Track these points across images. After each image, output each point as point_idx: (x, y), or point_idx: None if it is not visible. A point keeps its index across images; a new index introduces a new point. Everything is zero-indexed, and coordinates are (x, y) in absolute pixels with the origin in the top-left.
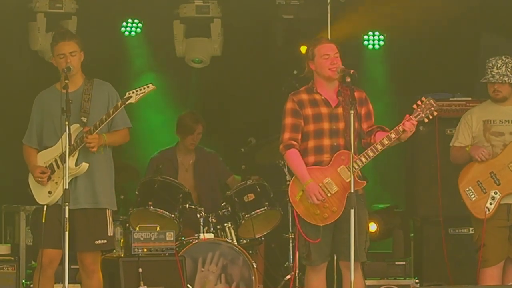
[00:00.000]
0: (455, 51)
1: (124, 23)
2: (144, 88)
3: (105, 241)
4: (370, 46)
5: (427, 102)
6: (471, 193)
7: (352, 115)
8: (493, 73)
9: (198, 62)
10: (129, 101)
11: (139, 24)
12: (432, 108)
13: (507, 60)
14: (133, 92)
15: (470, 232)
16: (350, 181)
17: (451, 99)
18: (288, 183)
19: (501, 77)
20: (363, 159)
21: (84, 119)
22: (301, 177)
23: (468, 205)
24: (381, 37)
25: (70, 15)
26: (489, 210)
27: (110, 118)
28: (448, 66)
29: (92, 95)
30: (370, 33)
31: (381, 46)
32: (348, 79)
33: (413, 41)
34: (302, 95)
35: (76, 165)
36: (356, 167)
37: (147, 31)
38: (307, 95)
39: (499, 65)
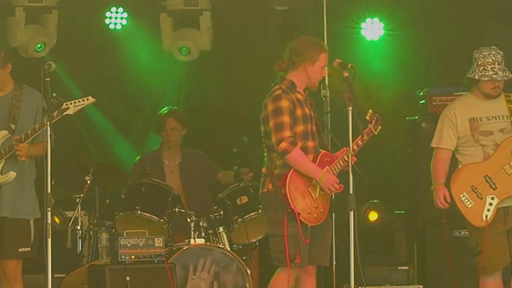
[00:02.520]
0: (458, 41)
1: (109, 13)
2: (83, 100)
3: (28, 248)
4: (369, 37)
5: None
6: (466, 200)
7: (350, 112)
8: (495, 69)
9: (186, 53)
10: (66, 112)
11: (124, 14)
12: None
13: (500, 51)
14: (71, 104)
15: None
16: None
17: (454, 93)
18: None
19: (505, 73)
20: (341, 163)
21: (13, 126)
22: (316, 172)
23: (464, 213)
24: (380, 28)
25: (51, 9)
26: (488, 217)
27: (44, 128)
28: (451, 58)
29: (21, 102)
30: (369, 21)
31: (381, 37)
32: (346, 74)
33: (414, 32)
34: (291, 94)
35: (3, 173)
36: (335, 171)
37: (133, 24)
38: (293, 94)
39: (499, 60)
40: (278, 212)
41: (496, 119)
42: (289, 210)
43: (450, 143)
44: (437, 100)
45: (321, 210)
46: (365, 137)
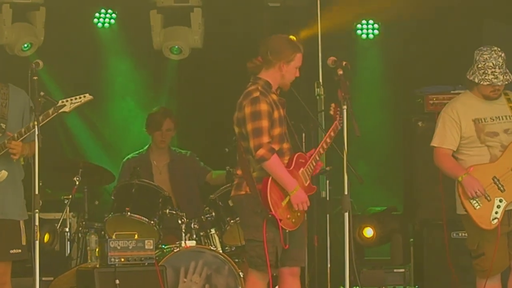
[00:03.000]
0: (455, 39)
1: (97, 14)
2: (80, 98)
3: (20, 250)
4: (364, 36)
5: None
6: (475, 202)
7: (345, 110)
8: (496, 73)
9: (177, 52)
10: (62, 110)
11: (113, 15)
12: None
13: (501, 53)
14: (67, 101)
15: None
16: (307, 185)
17: (452, 91)
18: None
19: (506, 76)
20: (314, 163)
21: (3, 125)
22: (290, 184)
23: (472, 214)
24: (376, 25)
25: (38, 6)
26: (496, 219)
27: (40, 125)
28: (448, 56)
29: (9, 101)
30: (364, 21)
31: (376, 36)
32: (340, 72)
33: (410, 29)
34: (268, 96)
35: None
36: (309, 173)
37: (122, 22)
38: (269, 95)
39: (500, 64)
40: (256, 216)
41: (500, 120)
42: (270, 216)
43: (453, 143)
44: (434, 99)
45: (298, 214)
46: (333, 134)
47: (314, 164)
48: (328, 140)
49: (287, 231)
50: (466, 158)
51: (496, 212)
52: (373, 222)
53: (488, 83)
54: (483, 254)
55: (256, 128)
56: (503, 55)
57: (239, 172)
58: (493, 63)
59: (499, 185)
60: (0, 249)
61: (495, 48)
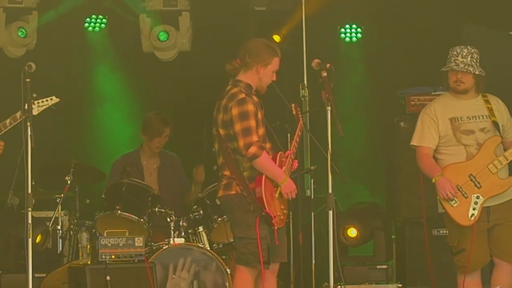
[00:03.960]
0: (436, 42)
1: (88, 19)
2: (47, 100)
3: None
4: (347, 39)
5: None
6: (452, 200)
7: (329, 111)
8: (458, 61)
9: (164, 38)
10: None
11: (103, 20)
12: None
13: (472, 50)
14: (34, 104)
15: None
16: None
17: (432, 93)
18: None
19: (466, 66)
20: (291, 161)
21: None
22: (279, 175)
23: (450, 212)
24: (359, 29)
25: (31, 10)
26: (474, 216)
27: (7, 129)
28: (429, 58)
29: None
30: (347, 25)
31: (359, 39)
32: (324, 74)
33: (392, 33)
34: (252, 97)
35: None
36: (288, 171)
37: (112, 26)
38: (252, 97)
39: (464, 54)
40: (248, 215)
41: (476, 119)
42: (264, 213)
43: (432, 141)
44: (415, 100)
45: (285, 211)
46: (300, 133)
47: (291, 162)
48: (297, 139)
49: (276, 228)
50: (444, 158)
51: (474, 209)
52: (357, 222)
53: (447, 69)
54: (463, 250)
55: (245, 127)
56: (472, 50)
57: (226, 173)
58: (457, 52)
59: (476, 182)
60: None
61: (469, 46)
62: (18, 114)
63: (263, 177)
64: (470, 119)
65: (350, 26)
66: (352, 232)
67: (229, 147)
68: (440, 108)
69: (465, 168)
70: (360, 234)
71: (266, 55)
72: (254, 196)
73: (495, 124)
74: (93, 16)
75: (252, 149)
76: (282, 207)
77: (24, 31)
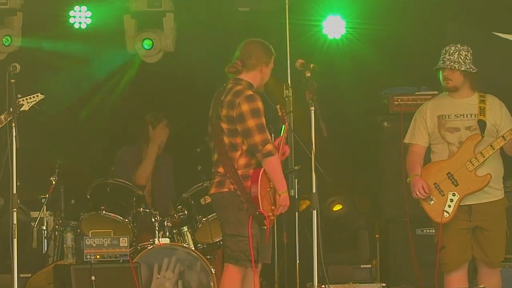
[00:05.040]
0: (420, 42)
1: (73, 12)
2: (34, 97)
3: None
4: (331, 36)
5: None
6: (429, 197)
7: (313, 111)
8: (445, 59)
9: (149, 46)
10: (22, 109)
11: (88, 13)
12: None
13: (461, 48)
14: (23, 100)
15: None
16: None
17: (416, 93)
18: None
19: (451, 63)
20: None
21: None
22: (283, 185)
23: (426, 209)
24: (342, 25)
25: (15, 11)
26: (448, 213)
27: (3, 125)
28: (413, 58)
29: None
30: (330, 18)
31: (342, 36)
32: (308, 74)
33: (376, 32)
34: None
35: None
36: None
37: (96, 27)
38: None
39: (451, 52)
40: (241, 212)
41: (463, 117)
42: (257, 213)
43: (422, 138)
44: (399, 100)
45: (275, 212)
46: (286, 135)
47: (282, 148)
48: (284, 141)
49: (266, 228)
50: (433, 156)
51: (449, 206)
52: (341, 200)
53: (436, 67)
54: (443, 247)
55: (260, 124)
56: (462, 49)
57: (220, 170)
58: (445, 50)
59: (453, 180)
60: None
61: (459, 44)
62: (2, 116)
63: (260, 176)
64: (457, 117)
65: (334, 24)
66: (337, 206)
67: (226, 143)
68: (432, 106)
69: (444, 166)
70: (345, 208)
71: (268, 55)
72: (249, 195)
73: (481, 122)
74: (76, 7)
75: (269, 146)
76: (272, 207)
77: (9, 39)
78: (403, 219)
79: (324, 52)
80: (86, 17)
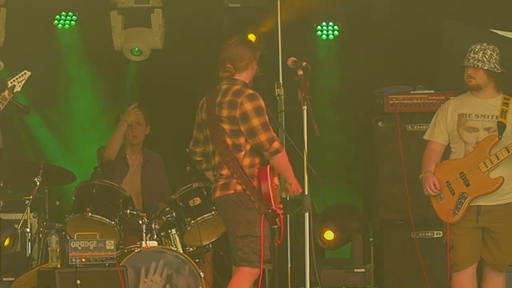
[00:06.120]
0: (415, 40)
1: (58, 16)
2: (22, 75)
3: None
4: (324, 36)
5: None
6: (439, 196)
7: (305, 111)
8: (469, 57)
9: (137, 53)
10: (15, 90)
11: (73, 17)
12: None
13: (487, 46)
14: (14, 80)
15: (435, 235)
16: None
17: (412, 92)
18: None
19: (475, 62)
20: None
21: None
22: (292, 173)
23: (435, 208)
24: (336, 27)
25: None
26: (456, 213)
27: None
28: (408, 57)
29: None
30: (324, 23)
31: (336, 36)
32: (301, 72)
33: (370, 30)
34: None
35: None
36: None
37: (82, 23)
38: None
39: (476, 50)
40: (250, 212)
41: (484, 117)
42: (270, 211)
43: (441, 136)
44: (394, 99)
45: (283, 212)
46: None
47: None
48: None
49: (277, 226)
50: (451, 155)
51: (458, 206)
52: (333, 225)
53: (461, 65)
54: (453, 247)
55: (264, 122)
56: (487, 47)
57: (224, 172)
58: (471, 49)
59: (465, 180)
60: None
61: (485, 43)
62: (6, 93)
63: (268, 172)
64: (478, 117)
65: (327, 23)
66: (329, 235)
67: (229, 144)
68: (454, 104)
69: (458, 165)
70: (337, 237)
71: (255, 50)
72: (260, 193)
73: (500, 124)
74: (63, 13)
75: (276, 144)
76: (280, 206)
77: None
78: (398, 221)
79: (318, 51)
80: (71, 20)
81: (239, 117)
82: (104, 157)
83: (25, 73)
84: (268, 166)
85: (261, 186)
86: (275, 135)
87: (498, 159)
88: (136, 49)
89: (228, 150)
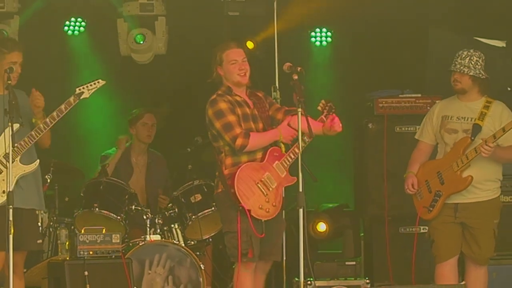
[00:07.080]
0: (403, 47)
1: (67, 22)
2: (95, 84)
3: (41, 240)
4: (318, 43)
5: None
6: (419, 193)
7: (299, 113)
8: (456, 62)
9: (140, 40)
10: (83, 96)
11: (83, 23)
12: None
13: (474, 53)
14: (83, 88)
15: (422, 231)
16: (284, 177)
17: (400, 95)
18: None
19: (461, 67)
20: (292, 156)
21: (21, 120)
22: (274, 135)
23: (416, 205)
24: (329, 33)
25: (12, 15)
26: (430, 210)
27: (63, 115)
28: (397, 62)
29: (17, 98)
30: (318, 30)
31: (329, 43)
32: (295, 77)
33: (361, 37)
34: (227, 96)
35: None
36: (286, 165)
37: (91, 30)
38: (230, 96)
39: (463, 56)
40: (230, 210)
41: (464, 120)
42: (240, 207)
43: (428, 136)
44: (383, 103)
45: (273, 204)
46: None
47: (291, 157)
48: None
49: (262, 221)
50: (437, 155)
51: (433, 203)
52: (326, 218)
53: (448, 69)
54: (433, 241)
55: (224, 124)
56: (474, 54)
57: (216, 174)
58: (458, 54)
59: (441, 179)
60: (31, 239)
61: (472, 50)
62: (71, 99)
63: (237, 174)
64: (459, 119)
65: (320, 30)
66: (322, 227)
67: (214, 146)
68: (441, 106)
69: (437, 165)
70: (330, 229)
71: (216, 57)
72: (230, 192)
73: (475, 126)
74: (72, 19)
75: (239, 141)
76: (267, 199)
77: (5, 33)
78: (387, 217)
79: (311, 56)
80: (80, 26)
81: (208, 124)
82: (105, 167)
83: (98, 82)
84: (241, 167)
85: (229, 186)
86: (238, 131)
87: (468, 159)
88: (139, 35)
89: (216, 152)
